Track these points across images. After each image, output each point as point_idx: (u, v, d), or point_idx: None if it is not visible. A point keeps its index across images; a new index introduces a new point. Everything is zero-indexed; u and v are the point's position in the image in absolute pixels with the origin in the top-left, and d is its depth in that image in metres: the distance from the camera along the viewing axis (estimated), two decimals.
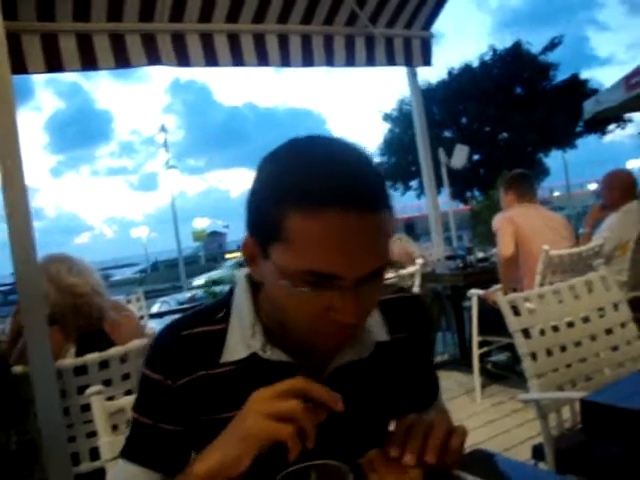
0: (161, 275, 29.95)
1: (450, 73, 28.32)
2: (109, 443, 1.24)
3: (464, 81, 27.24)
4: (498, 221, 3.75)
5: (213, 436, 0.84)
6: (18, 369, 2.34)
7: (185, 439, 0.94)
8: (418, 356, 1.10)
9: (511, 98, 26.68)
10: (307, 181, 0.77)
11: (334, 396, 0.78)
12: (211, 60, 4.22)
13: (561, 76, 27.74)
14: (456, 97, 26.94)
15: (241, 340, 0.94)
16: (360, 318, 0.84)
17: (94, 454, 2.19)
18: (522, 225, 3.61)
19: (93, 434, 2.13)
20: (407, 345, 1.07)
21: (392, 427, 0.91)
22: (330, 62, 4.80)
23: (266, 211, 0.80)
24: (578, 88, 25.73)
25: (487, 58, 28.09)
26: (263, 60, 4.45)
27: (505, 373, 4.12)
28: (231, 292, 1.00)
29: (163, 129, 25.54)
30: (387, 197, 0.82)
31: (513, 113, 25.72)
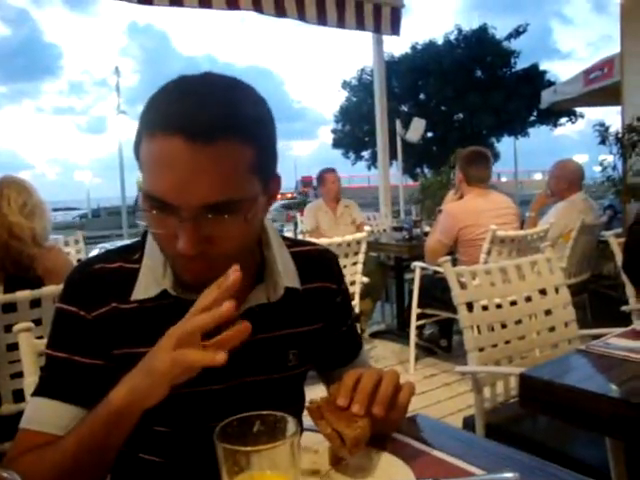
0: (102, 222, 29.08)
1: (414, 48, 28.30)
2: (35, 383, 1.17)
3: (426, 58, 27.30)
4: (445, 212, 3.72)
5: (128, 370, 0.82)
6: None
7: (101, 373, 0.91)
8: (333, 308, 1.10)
9: (471, 80, 26.92)
10: (154, 109, 0.81)
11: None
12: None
13: (521, 64, 28.18)
14: (417, 73, 26.98)
15: (153, 279, 0.93)
16: (204, 251, 0.81)
17: (18, 396, 2.10)
18: (466, 219, 3.57)
19: (18, 375, 2.04)
20: (321, 295, 1.07)
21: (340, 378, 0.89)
22: (302, 16, 4.69)
23: (135, 140, 0.84)
24: (536, 78, 26.21)
25: (452, 37, 28.20)
26: (233, 3, 4.26)
27: (430, 346, 4.18)
28: (145, 234, 0.99)
29: (117, 71, 24.57)
30: (244, 131, 0.79)
31: (471, 95, 25.98)
